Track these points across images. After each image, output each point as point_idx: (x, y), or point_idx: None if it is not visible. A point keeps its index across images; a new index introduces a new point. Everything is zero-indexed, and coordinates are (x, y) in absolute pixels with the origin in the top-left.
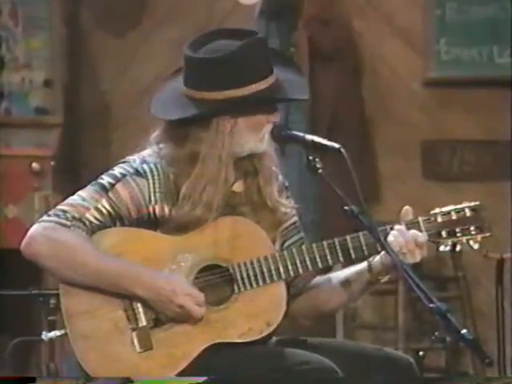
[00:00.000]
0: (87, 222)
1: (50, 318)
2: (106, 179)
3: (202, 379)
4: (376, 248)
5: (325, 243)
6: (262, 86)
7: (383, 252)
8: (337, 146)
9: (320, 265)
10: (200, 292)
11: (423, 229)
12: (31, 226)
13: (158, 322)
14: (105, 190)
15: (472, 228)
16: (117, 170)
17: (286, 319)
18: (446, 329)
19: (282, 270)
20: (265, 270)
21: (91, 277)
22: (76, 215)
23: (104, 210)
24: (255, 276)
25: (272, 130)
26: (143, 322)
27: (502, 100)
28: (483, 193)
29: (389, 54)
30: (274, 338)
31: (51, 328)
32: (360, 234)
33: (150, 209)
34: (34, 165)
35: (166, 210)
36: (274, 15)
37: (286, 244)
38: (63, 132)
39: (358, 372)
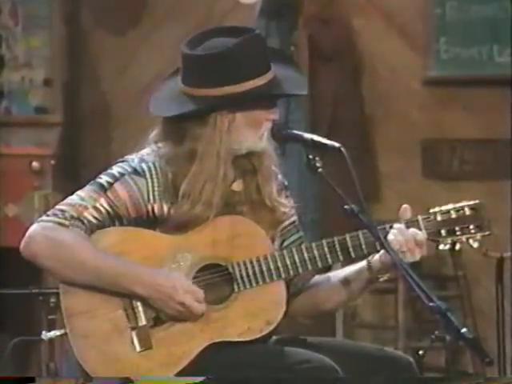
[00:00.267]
0: (86, 221)
1: (49, 316)
2: (104, 178)
3: (201, 379)
4: (375, 247)
5: (324, 242)
6: (259, 82)
7: (382, 251)
8: (337, 145)
9: (320, 264)
10: (200, 289)
11: (423, 227)
12: (31, 225)
13: (157, 321)
14: (103, 189)
15: (471, 227)
16: (115, 170)
17: (285, 318)
18: (445, 328)
19: (281, 269)
20: (264, 269)
21: (90, 276)
22: (74, 214)
23: (102, 209)
24: (255, 275)
25: (272, 128)
26: (143, 321)
27: (502, 99)
28: (483, 192)
29: (389, 53)
30: (274, 337)
31: (51, 327)
32: (359, 232)
33: (149, 208)
34: (34, 164)
35: (165, 208)
36: (274, 14)
37: (286, 243)
38: (63, 131)
39: (357, 371)
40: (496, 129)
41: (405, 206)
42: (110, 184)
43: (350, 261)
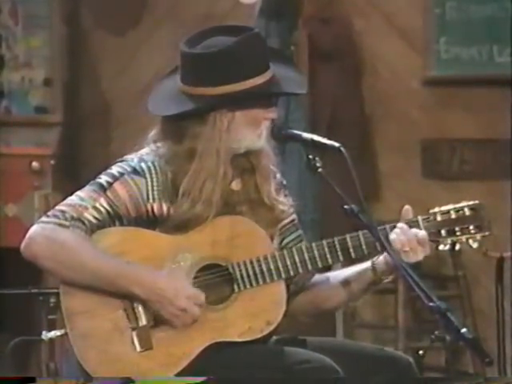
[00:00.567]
0: (86, 222)
1: (50, 316)
2: (103, 178)
3: (202, 379)
4: (376, 247)
5: (324, 242)
6: (258, 80)
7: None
8: (337, 144)
9: (320, 264)
10: (201, 292)
11: (422, 228)
12: (31, 225)
13: (158, 321)
14: (103, 189)
15: (471, 227)
16: (114, 169)
17: (285, 318)
18: (445, 328)
19: (281, 269)
20: (264, 269)
21: (90, 276)
22: (74, 215)
23: (102, 209)
24: (255, 275)
25: (272, 128)
26: (143, 321)
27: (502, 99)
28: (483, 192)
29: (389, 52)
30: (274, 337)
31: (51, 327)
32: (360, 233)
33: (149, 207)
34: (34, 164)
35: (165, 208)
36: (273, 14)
37: (285, 242)
38: (63, 131)
39: (357, 371)
40: (496, 129)
41: (406, 207)
42: (110, 184)
43: (350, 261)
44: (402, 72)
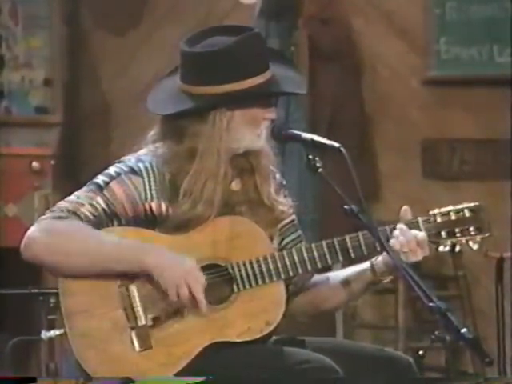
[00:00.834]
0: (82, 216)
1: (49, 316)
2: (100, 178)
3: (202, 379)
4: (375, 248)
5: (324, 243)
6: (258, 80)
7: (386, 253)
8: (337, 145)
9: (319, 264)
10: (202, 275)
11: (422, 229)
12: (31, 225)
13: (157, 321)
14: (99, 188)
15: (471, 229)
16: (111, 170)
17: (284, 318)
18: (445, 328)
19: (281, 269)
20: (264, 269)
21: (93, 257)
22: (71, 209)
23: (98, 207)
24: (254, 275)
25: (272, 128)
26: (142, 321)
27: (502, 99)
28: (483, 192)
29: (388, 52)
30: (273, 338)
31: (51, 327)
32: (359, 233)
33: (147, 206)
34: (34, 164)
35: (164, 207)
36: (273, 14)
37: (284, 242)
38: (63, 131)
39: (357, 372)
40: (496, 129)
41: (405, 207)
42: (106, 183)
43: (350, 262)
44: (402, 72)
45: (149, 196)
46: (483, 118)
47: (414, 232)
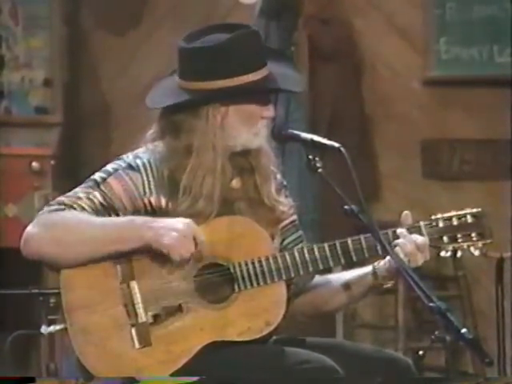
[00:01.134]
0: (79, 209)
1: (50, 317)
2: (98, 175)
3: (202, 379)
4: (377, 251)
5: (326, 245)
6: (254, 77)
7: (388, 258)
8: (337, 145)
9: (321, 266)
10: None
11: (425, 233)
12: None
13: (157, 318)
14: (96, 184)
15: (473, 234)
16: (109, 166)
17: (285, 318)
18: (445, 328)
19: (282, 270)
20: (265, 269)
21: (92, 240)
22: (68, 202)
23: (95, 200)
24: (256, 275)
25: (272, 129)
26: (143, 318)
27: (502, 99)
28: (483, 192)
29: (389, 53)
30: (273, 338)
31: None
32: (361, 236)
33: (146, 201)
34: (34, 164)
35: (163, 201)
36: (274, 14)
37: (285, 242)
38: (63, 131)
39: (356, 372)
40: (496, 129)
41: (405, 212)
42: (104, 179)
43: (351, 264)
44: (402, 72)
45: (148, 190)
46: (483, 118)
47: (414, 236)
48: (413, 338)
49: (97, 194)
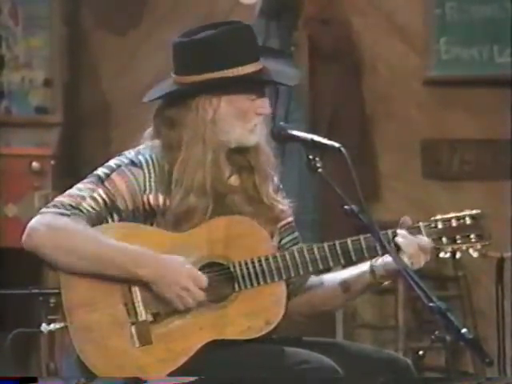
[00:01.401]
0: (84, 211)
1: (50, 317)
2: (101, 170)
3: (201, 379)
4: (377, 251)
5: (325, 245)
6: (245, 70)
7: (386, 257)
8: (337, 145)
9: (321, 266)
10: (202, 275)
11: (424, 234)
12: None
13: (157, 317)
14: (100, 179)
15: (472, 236)
16: (112, 162)
17: (284, 318)
18: (446, 328)
19: (282, 270)
20: (265, 269)
21: (92, 260)
22: (73, 204)
23: (99, 199)
24: (256, 275)
25: (272, 129)
26: (143, 316)
27: (502, 99)
28: (483, 192)
29: (389, 53)
30: (273, 337)
31: None
32: (361, 236)
33: (145, 198)
34: (34, 164)
35: (161, 199)
36: (274, 15)
37: (282, 242)
38: (63, 131)
39: (355, 373)
40: (496, 129)
41: (404, 217)
42: (107, 175)
43: (351, 264)
44: (402, 72)
45: (148, 187)
46: (483, 119)
47: (417, 237)
48: (413, 338)
49: (101, 191)
